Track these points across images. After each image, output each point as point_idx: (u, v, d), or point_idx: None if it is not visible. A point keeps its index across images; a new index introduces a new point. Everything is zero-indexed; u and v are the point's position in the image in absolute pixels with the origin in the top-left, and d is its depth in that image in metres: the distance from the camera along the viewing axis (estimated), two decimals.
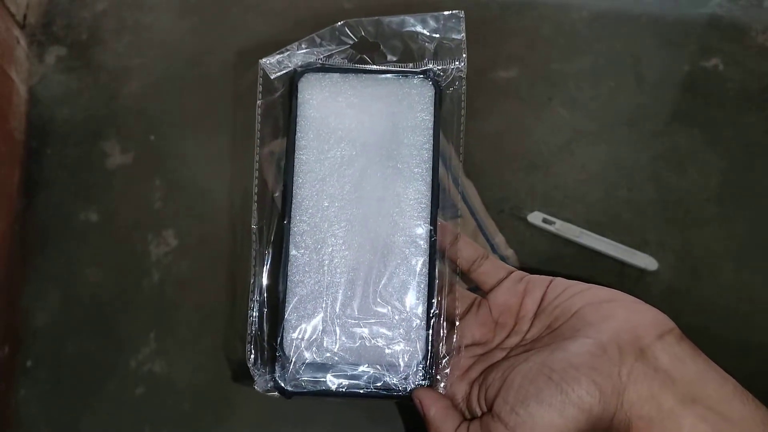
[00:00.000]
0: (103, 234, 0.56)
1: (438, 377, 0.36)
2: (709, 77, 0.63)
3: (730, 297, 0.53)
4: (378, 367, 0.36)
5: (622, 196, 0.57)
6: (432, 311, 0.36)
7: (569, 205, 0.56)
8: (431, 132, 0.39)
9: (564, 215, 0.55)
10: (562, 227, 0.54)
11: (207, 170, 0.59)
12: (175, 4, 0.69)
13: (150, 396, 0.49)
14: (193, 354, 0.51)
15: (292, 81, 0.39)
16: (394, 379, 0.35)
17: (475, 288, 0.40)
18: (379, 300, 0.36)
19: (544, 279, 0.37)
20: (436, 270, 0.38)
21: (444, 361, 0.36)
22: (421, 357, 0.36)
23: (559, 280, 0.36)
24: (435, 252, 0.38)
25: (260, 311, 0.37)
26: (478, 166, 0.58)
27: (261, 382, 0.36)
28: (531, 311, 0.36)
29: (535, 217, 0.55)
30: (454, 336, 0.36)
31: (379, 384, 0.35)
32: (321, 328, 0.36)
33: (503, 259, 0.53)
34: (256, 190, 0.41)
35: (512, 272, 0.38)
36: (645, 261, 0.53)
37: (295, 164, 0.38)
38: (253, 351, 0.37)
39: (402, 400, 0.36)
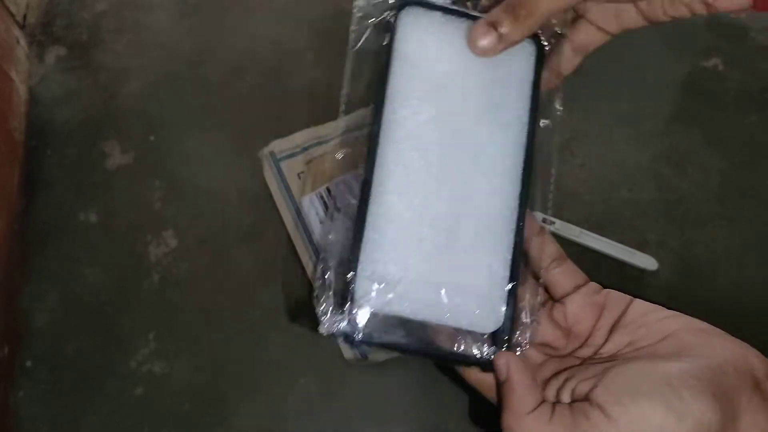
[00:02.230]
0: (103, 234, 0.56)
1: (518, 345, 0.33)
2: (709, 77, 0.63)
3: (730, 297, 0.53)
4: (455, 326, 0.32)
5: (622, 196, 0.57)
6: (516, 276, 0.33)
7: (569, 205, 0.56)
8: (530, 91, 0.35)
9: (564, 215, 0.55)
10: (562, 227, 0.54)
11: (207, 170, 0.59)
12: (175, 4, 0.69)
13: (150, 396, 0.49)
14: (193, 354, 0.51)
15: (391, 14, 0.36)
16: (472, 342, 0.32)
17: None
18: (463, 256, 0.33)
19: (625, 297, 0.35)
20: (524, 237, 0.34)
21: (523, 330, 0.33)
22: (502, 321, 0.33)
23: (641, 301, 0.35)
24: (524, 218, 0.35)
25: (333, 254, 0.34)
26: None
27: (327, 325, 0.33)
28: (606, 326, 0.34)
29: (536, 217, 0.55)
30: (535, 304, 0.34)
31: (454, 346, 0.32)
32: (398, 277, 0.32)
33: None
34: (344, 108, 0.38)
35: (588, 282, 0.36)
36: (645, 261, 0.53)
37: (386, 103, 0.35)
38: (321, 293, 0.34)
39: (477, 365, 0.33)
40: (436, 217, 0.33)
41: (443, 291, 0.32)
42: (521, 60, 0.36)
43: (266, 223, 0.55)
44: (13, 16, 0.64)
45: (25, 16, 0.67)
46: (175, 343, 0.51)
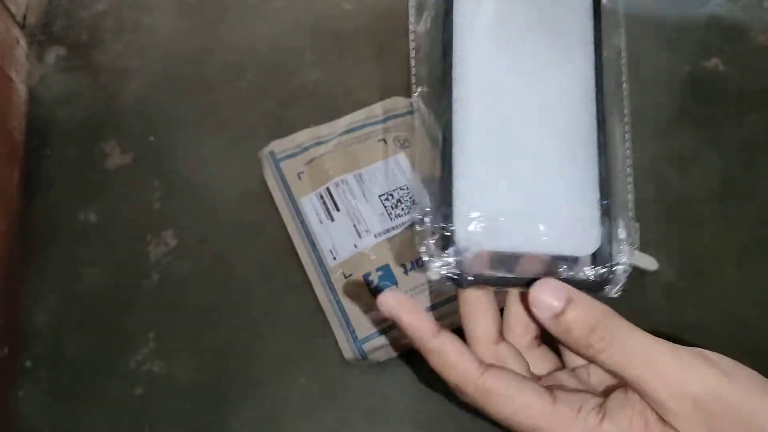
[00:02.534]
0: (103, 234, 0.56)
1: (618, 263, 0.33)
2: (710, 77, 0.63)
3: (730, 297, 0.53)
4: (556, 253, 0.32)
5: None
6: (607, 193, 0.33)
7: None
8: (592, 30, 0.36)
9: None
10: None
11: (207, 170, 0.59)
12: (175, 4, 0.69)
13: (150, 396, 0.49)
14: (193, 354, 0.51)
15: None
16: (573, 266, 0.31)
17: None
18: (552, 182, 0.32)
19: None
20: (606, 154, 0.35)
21: (621, 247, 0.33)
22: (600, 240, 0.32)
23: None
24: (604, 137, 0.35)
25: (427, 201, 0.33)
26: None
27: (435, 271, 0.31)
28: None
29: None
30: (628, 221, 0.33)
31: (561, 269, 0.31)
32: (492, 213, 0.31)
33: None
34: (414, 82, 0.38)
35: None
36: (645, 261, 0.53)
37: (454, 43, 0.34)
38: (422, 239, 0.32)
39: (584, 289, 0.32)
40: (521, 147, 0.32)
41: (539, 220, 0.32)
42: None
43: (266, 222, 0.55)
44: (13, 16, 0.64)
45: (25, 16, 0.67)
46: (175, 343, 0.51)
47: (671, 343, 0.26)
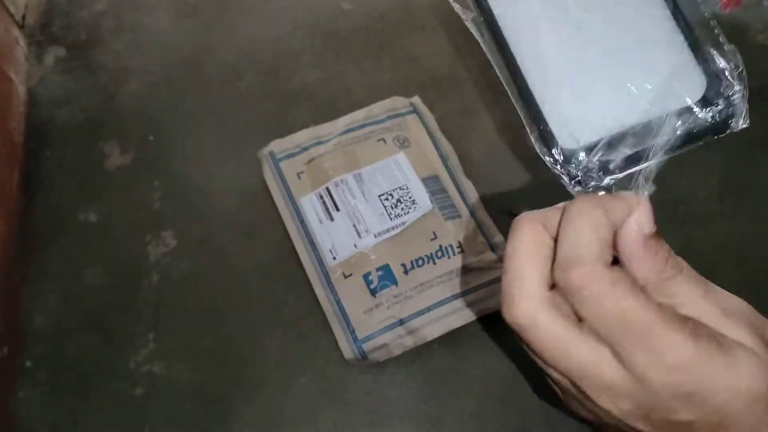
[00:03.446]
0: (103, 234, 0.56)
1: (731, 95, 0.32)
2: None
3: None
4: (667, 112, 0.31)
5: None
6: (692, 35, 0.32)
7: None
8: None
9: None
10: None
11: (206, 170, 0.59)
12: (174, 4, 0.69)
13: (150, 396, 0.49)
14: (193, 354, 0.51)
15: None
16: (689, 117, 0.31)
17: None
18: (634, 47, 0.30)
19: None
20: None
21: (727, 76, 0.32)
22: (705, 79, 0.32)
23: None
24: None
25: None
26: (477, 166, 0.58)
27: (567, 173, 0.30)
28: None
29: None
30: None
31: (679, 125, 0.31)
32: (585, 103, 0.30)
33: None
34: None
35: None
36: None
37: None
38: (542, 149, 0.30)
39: (711, 134, 0.32)
40: (590, 30, 0.30)
41: (633, 88, 0.30)
42: None
43: (266, 222, 0.55)
44: (12, 16, 0.64)
45: (24, 17, 0.67)
46: (175, 343, 0.51)
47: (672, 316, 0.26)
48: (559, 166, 0.30)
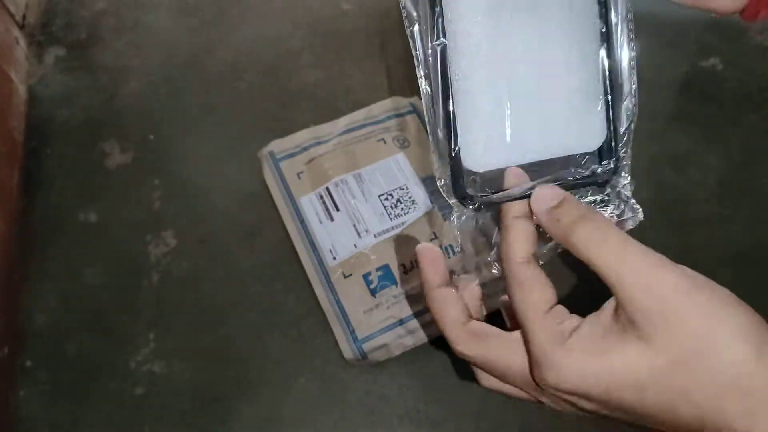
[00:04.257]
0: (103, 234, 0.56)
1: (624, 158, 0.32)
2: (708, 77, 0.63)
3: None
4: (563, 154, 0.32)
5: None
6: (610, 89, 0.32)
7: None
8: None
9: None
10: None
11: (206, 170, 0.59)
12: (175, 4, 0.69)
13: (150, 396, 0.49)
14: (193, 354, 0.51)
15: None
16: (581, 163, 0.31)
17: None
18: (552, 86, 0.31)
19: None
20: (613, 52, 0.33)
21: (626, 140, 0.32)
22: (606, 133, 0.32)
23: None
24: (611, 32, 0.33)
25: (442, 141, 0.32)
26: None
27: (448, 195, 0.31)
28: None
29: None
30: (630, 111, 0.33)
31: (567, 172, 0.31)
32: (495, 132, 0.31)
33: None
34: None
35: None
36: None
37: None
38: (439, 172, 0.32)
39: (593, 185, 0.32)
40: (517, 52, 0.31)
41: (541, 125, 0.31)
42: None
43: (266, 222, 0.55)
44: (12, 16, 0.64)
45: (24, 16, 0.67)
46: (175, 343, 0.51)
47: (648, 251, 0.27)
48: (446, 180, 0.32)
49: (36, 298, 0.53)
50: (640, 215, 0.34)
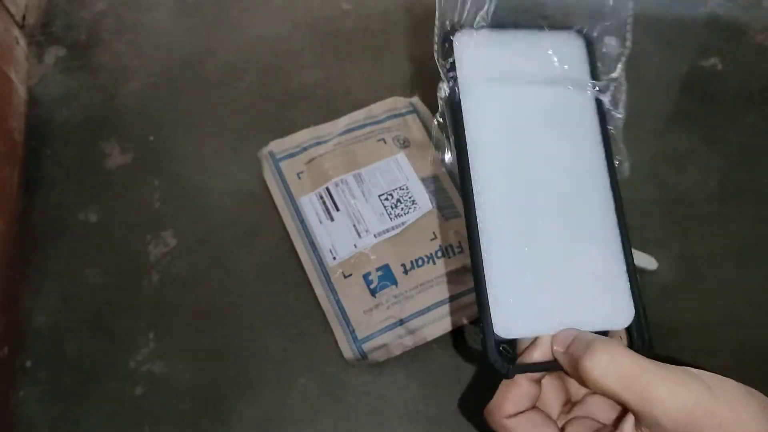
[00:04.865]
0: (103, 234, 0.56)
1: (650, 339, 0.33)
2: (708, 77, 0.63)
3: (729, 296, 0.53)
4: (594, 330, 0.33)
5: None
6: (632, 268, 0.34)
7: None
8: (592, 90, 0.36)
9: None
10: None
11: (206, 170, 0.59)
12: (175, 4, 0.69)
13: (150, 396, 0.49)
14: (193, 354, 0.51)
15: (444, 42, 0.34)
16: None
17: None
18: (581, 265, 0.33)
19: None
20: (627, 229, 0.35)
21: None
22: (634, 312, 0.33)
23: None
24: (620, 201, 0.36)
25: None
26: None
27: (490, 356, 0.32)
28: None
29: None
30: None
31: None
32: (525, 304, 0.32)
33: None
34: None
35: None
36: (645, 260, 0.53)
37: (467, 136, 0.34)
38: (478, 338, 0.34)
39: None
40: (546, 237, 0.33)
41: (571, 301, 0.33)
42: (574, 57, 0.37)
43: (266, 222, 0.55)
44: (12, 16, 0.65)
45: (24, 17, 0.67)
46: (175, 343, 0.51)
47: (659, 363, 0.27)
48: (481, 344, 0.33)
49: (36, 298, 0.53)
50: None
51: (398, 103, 0.60)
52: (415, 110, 0.60)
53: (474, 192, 0.33)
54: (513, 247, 0.33)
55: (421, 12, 0.68)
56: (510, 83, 0.35)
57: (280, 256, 0.54)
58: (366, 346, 0.49)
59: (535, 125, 0.35)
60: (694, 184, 0.58)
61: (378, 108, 0.60)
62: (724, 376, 0.29)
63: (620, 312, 0.33)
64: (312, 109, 0.61)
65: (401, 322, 0.49)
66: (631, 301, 0.34)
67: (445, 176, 0.56)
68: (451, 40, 0.34)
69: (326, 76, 0.64)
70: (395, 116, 0.59)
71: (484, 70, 0.35)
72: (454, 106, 0.34)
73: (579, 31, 0.37)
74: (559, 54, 0.36)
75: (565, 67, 0.37)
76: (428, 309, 0.50)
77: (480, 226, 0.32)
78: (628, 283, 0.34)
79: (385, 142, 0.57)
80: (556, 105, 0.36)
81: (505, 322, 0.32)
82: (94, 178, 0.58)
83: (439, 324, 0.50)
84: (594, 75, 0.38)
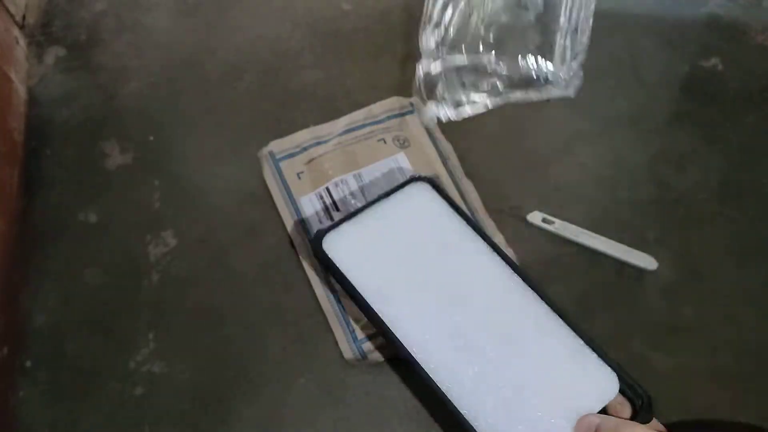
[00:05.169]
0: (103, 234, 0.56)
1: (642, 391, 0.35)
2: (709, 77, 0.63)
3: (729, 296, 0.53)
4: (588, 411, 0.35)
5: (622, 195, 0.57)
6: (589, 341, 0.36)
7: (569, 205, 0.56)
8: (458, 217, 0.40)
9: (564, 215, 0.55)
10: (561, 227, 0.54)
11: (206, 170, 0.59)
12: (175, 4, 0.69)
13: (150, 396, 0.49)
14: (193, 354, 0.51)
15: (315, 250, 0.39)
16: (618, 410, 0.35)
17: None
18: (544, 365, 0.35)
19: None
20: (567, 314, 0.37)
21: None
22: (616, 376, 0.36)
23: None
24: (535, 284, 0.38)
25: None
26: (477, 166, 0.58)
27: None
28: None
29: (535, 217, 0.55)
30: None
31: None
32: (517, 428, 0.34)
33: None
34: None
35: None
36: (644, 260, 0.53)
37: (381, 315, 0.38)
38: None
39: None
40: (502, 365, 0.35)
41: (559, 401, 0.34)
42: (428, 202, 0.41)
43: (266, 222, 0.55)
44: (12, 16, 0.65)
45: (24, 17, 0.67)
46: (175, 343, 0.51)
47: None
48: None
49: (36, 298, 0.53)
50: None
51: (398, 103, 0.60)
52: (415, 110, 0.60)
53: (419, 361, 0.36)
54: (475, 396, 0.34)
55: (420, 12, 0.68)
56: (386, 252, 0.38)
57: (280, 256, 0.54)
58: (366, 346, 0.49)
59: (424, 266, 0.37)
60: (694, 184, 0.58)
61: (378, 108, 0.60)
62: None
63: (605, 381, 0.35)
64: (312, 109, 0.61)
65: None
66: (607, 367, 0.35)
67: (446, 176, 0.56)
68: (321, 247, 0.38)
69: (326, 76, 0.64)
70: (395, 116, 0.59)
71: (359, 258, 0.38)
72: (353, 294, 0.38)
73: (417, 179, 0.41)
74: (410, 206, 0.40)
75: (424, 211, 0.40)
76: None
77: (443, 388, 0.35)
78: (594, 353, 0.36)
79: (385, 142, 0.57)
80: (432, 242, 0.38)
81: None
82: (94, 178, 0.58)
83: None
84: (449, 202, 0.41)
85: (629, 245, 0.54)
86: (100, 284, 0.54)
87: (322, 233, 0.38)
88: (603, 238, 0.54)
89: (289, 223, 0.54)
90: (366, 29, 0.67)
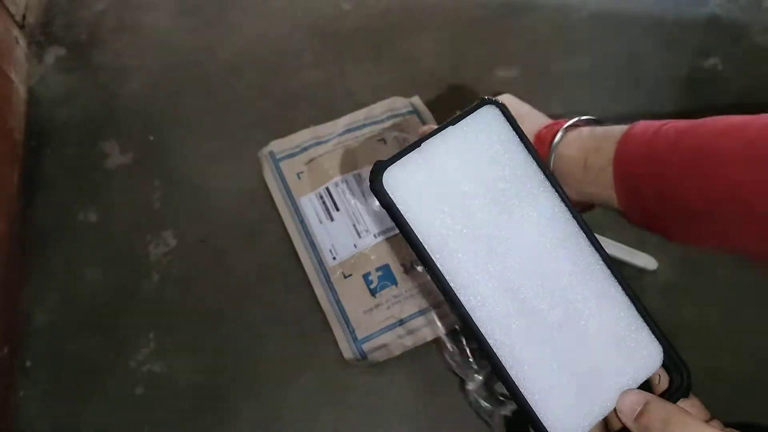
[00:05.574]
0: (103, 234, 0.56)
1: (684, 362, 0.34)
2: (709, 77, 0.63)
3: (728, 296, 0.53)
4: (636, 383, 0.33)
5: None
6: (641, 308, 0.34)
7: None
8: (526, 152, 0.35)
9: None
10: None
11: (206, 170, 0.59)
12: (175, 4, 0.69)
13: (150, 396, 0.49)
14: (193, 354, 0.51)
15: (374, 189, 0.33)
16: (662, 380, 0.34)
17: None
18: (597, 330, 0.33)
19: None
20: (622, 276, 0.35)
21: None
22: (661, 348, 0.34)
23: None
24: (600, 248, 0.35)
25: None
26: None
27: None
28: None
29: None
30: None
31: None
32: (565, 398, 0.33)
33: None
34: None
35: None
36: (645, 260, 0.53)
37: (436, 258, 0.33)
38: None
39: (681, 396, 0.34)
40: (556, 328, 0.33)
41: (606, 371, 0.33)
42: (498, 129, 0.35)
43: (266, 222, 0.55)
44: (12, 16, 0.64)
45: (24, 16, 0.67)
46: (175, 343, 0.51)
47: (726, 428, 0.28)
48: None
49: (36, 298, 0.53)
50: None
51: (398, 103, 0.60)
52: (415, 110, 0.60)
53: (469, 310, 0.32)
54: (529, 351, 0.32)
55: (421, 12, 0.68)
56: (452, 193, 0.34)
57: (280, 256, 0.54)
58: (366, 346, 0.49)
59: (490, 214, 0.34)
60: None
61: (378, 108, 0.60)
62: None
63: (651, 354, 0.34)
64: (312, 109, 0.61)
65: (401, 322, 0.49)
66: (656, 340, 0.34)
67: None
68: (381, 183, 0.32)
69: (326, 76, 0.64)
70: (395, 116, 0.59)
71: (424, 198, 0.33)
72: (412, 240, 0.34)
73: (487, 101, 0.35)
74: (479, 137, 0.35)
75: (493, 143, 0.36)
76: (428, 309, 0.50)
77: (490, 342, 0.32)
78: (646, 325, 0.34)
79: (385, 142, 0.57)
80: (499, 185, 0.34)
81: (562, 427, 0.32)
82: (94, 178, 0.58)
83: (439, 324, 0.50)
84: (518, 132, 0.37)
85: (630, 246, 0.54)
86: (100, 284, 0.54)
87: (383, 167, 0.33)
88: (604, 239, 0.54)
89: (289, 223, 0.54)
90: (366, 29, 0.67)
